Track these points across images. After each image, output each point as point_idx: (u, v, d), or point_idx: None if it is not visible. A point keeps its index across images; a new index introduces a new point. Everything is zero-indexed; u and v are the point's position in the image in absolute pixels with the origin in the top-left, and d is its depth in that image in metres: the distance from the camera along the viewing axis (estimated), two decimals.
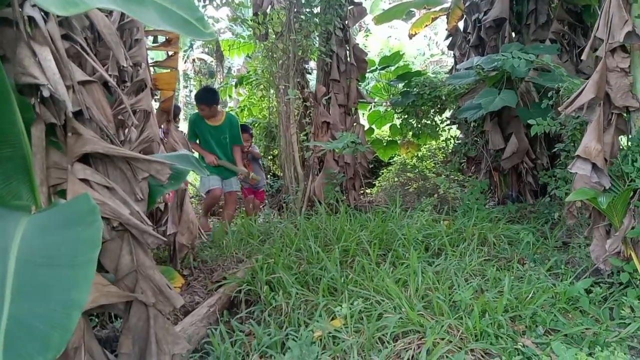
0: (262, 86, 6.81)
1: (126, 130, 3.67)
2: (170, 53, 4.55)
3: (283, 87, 6.26)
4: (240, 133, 5.97)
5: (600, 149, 3.48)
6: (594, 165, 3.46)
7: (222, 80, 13.76)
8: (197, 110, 5.85)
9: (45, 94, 1.99)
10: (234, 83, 8.31)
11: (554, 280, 3.79)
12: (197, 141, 6.02)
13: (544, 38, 6.61)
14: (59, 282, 1.48)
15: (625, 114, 3.68)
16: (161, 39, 4.68)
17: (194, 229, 3.78)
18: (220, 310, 3.73)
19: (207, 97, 5.74)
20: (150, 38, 4.98)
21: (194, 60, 29.06)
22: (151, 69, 5.03)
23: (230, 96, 9.67)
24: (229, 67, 22.92)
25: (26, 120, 2.15)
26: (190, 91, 30.25)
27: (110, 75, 3.36)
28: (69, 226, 1.72)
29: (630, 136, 3.67)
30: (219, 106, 6.04)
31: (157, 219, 4.04)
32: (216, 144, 5.87)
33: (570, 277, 3.76)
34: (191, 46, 28.70)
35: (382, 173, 9.07)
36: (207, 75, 25.23)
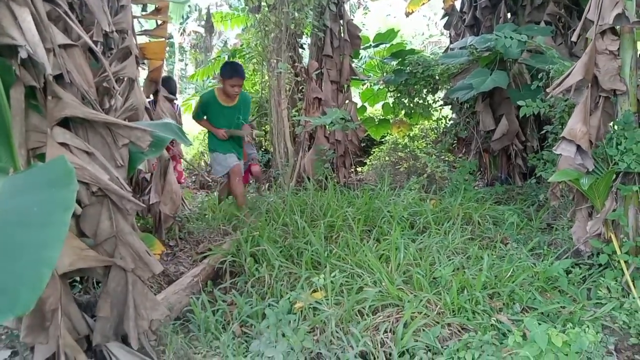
0: (254, 60, 6.74)
1: (112, 100, 3.67)
2: (159, 22, 4.49)
3: (275, 61, 6.20)
4: (249, 113, 5.57)
5: (585, 131, 3.49)
6: (579, 147, 3.47)
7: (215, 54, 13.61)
8: (209, 89, 5.37)
9: (23, 55, 1.97)
10: (226, 57, 8.23)
11: (535, 260, 3.84)
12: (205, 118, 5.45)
13: (539, 20, 6.57)
14: (30, 241, 1.48)
15: (612, 97, 3.68)
16: (151, 7, 4.63)
17: (177, 199, 3.78)
18: (204, 280, 3.76)
19: (242, 70, 5.15)
20: (140, 6, 4.92)
21: (189, 33, 28.72)
22: (140, 37, 4.99)
23: None
24: (225, 41, 22.67)
25: (6, 82, 2.13)
26: (186, 64, 29.95)
27: (95, 42, 3.33)
28: (43, 188, 1.72)
29: (616, 119, 3.67)
30: None
31: (142, 188, 4.04)
32: (228, 126, 5.29)
33: (551, 258, 3.81)
34: (187, 18, 28.35)
35: (374, 152, 9.06)
36: (203, 49, 24.95)
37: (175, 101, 6.39)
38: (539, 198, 5.44)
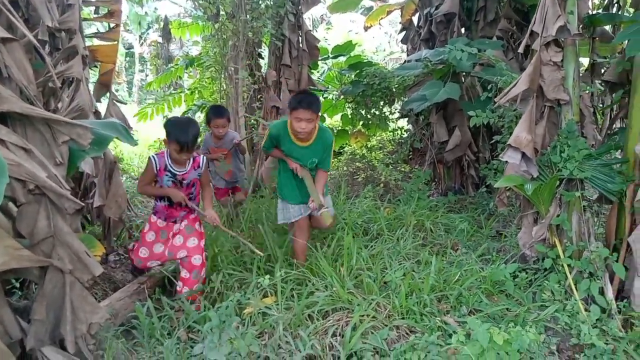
0: (212, 68, 6.70)
1: (58, 101, 3.57)
2: (112, 25, 4.43)
3: (232, 69, 6.18)
4: (331, 157, 4.04)
5: (530, 139, 3.60)
6: (524, 155, 3.58)
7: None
8: (281, 119, 4.09)
9: None
10: (184, 65, 8.16)
11: (483, 266, 3.92)
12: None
13: (492, 35, 6.78)
14: None
15: (557, 107, 3.81)
16: (103, 10, 4.56)
17: (122, 202, 3.69)
18: (152, 287, 3.67)
19: (311, 100, 3.65)
20: (93, 9, 4.84)
21: (150, 43, 28.35)
22: (93, 41, 4.90)
23: (180, 77, 9.49)
24: (187, 52, 22.46)
25: None
26: (146, 75, 29.49)
27: (41, 42, 3.25)
28: None
29: (560, 128, 3.81)
30: None
31: (91, 192, 3.93)
32: (302, 163, 3.89)
33: (499, 263, 3.89)
34: (149, 29, 27.99)
35: (332, 162, 9.11)
36: (164, 58, 24.63)
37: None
38: (489, 207, 5.57)
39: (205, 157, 3.67)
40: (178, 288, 3.53)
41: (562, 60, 3.72)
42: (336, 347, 2.77)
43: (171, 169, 3.46)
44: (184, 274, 3.54)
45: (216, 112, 4.87)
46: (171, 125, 3.36)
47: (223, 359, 2.24)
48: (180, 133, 3.28)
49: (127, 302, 3.33)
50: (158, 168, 3.44)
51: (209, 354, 2.30)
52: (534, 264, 3.82)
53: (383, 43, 25.00)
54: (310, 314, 3.10)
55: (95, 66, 4.54)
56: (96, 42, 4.59)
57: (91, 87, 4.29)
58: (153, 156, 3.48)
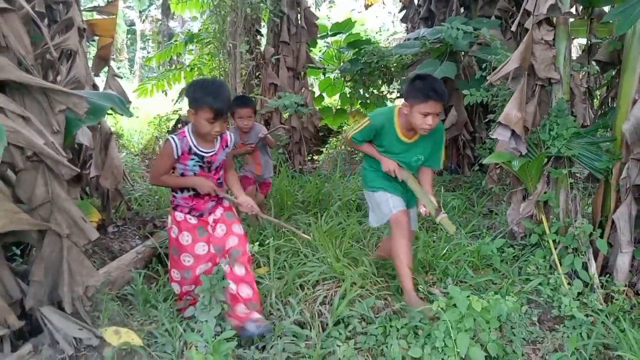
0: (211, 45, 6.73)
1: (56, 74, 3.63)
2: None
3: (231, 45, 6.21)
4: (442, 151, 3.29)
5: (520, 116, 3.65)
6: (513, 132, 3.64)
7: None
8: (386, 108, 3.27)
9: None
10: (184, 41, 8.18)
11: (472, 241, 4.01)
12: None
13: (491, 14, 6.79)
14: None
15: (547, 86, 3.86)
16: None
17: (119, 174, 3.77)
18: (149, 258, 3.77)
19: (443, 90, 2.88)
20: None
21: (152, 20, 28.21)
22: (93, 15, 4.93)
23: (180, 54, 9.51)
24: (188, 29, 22.34)
25: None
26: (148, 52, 29.37)
27: (39, 13, 3.30)
28: None
29: (550, 107, 3.87)
30: None
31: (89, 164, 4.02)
32: (404, 162, 3.13)
33: (488, 239, 3.98)
34: (150, 5, 27.81)
35: (331, 141, 9.19)
36: (165, 34, 24.52)
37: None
38: (482, 185, 5.65)
39: (231, 133, 2.96)
40: (243, 295, 2.67)
41: (553, 39, 3.76)
42: (324, 314, 2.87)
43: (198, 151, 2.75)
44: (239, 270, 2.72)
45: (240, 102, 4.14)
46: (197, 88, 2.65)
47: (213, 320, 2.34)
48: (211, 96, 2.58)
49: (124, 270, 3.43)
50: (180, 152, 2.71)
51: (200, 316, 2.41)
52: (521, 239, 3.91)
53: (387, 23, 24.82)
54: (301, 283, 3.21)
55: (94, 40, 4.59)
56: (95, 16, 4.63)
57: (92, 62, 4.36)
58: (172, 137, 2.71)
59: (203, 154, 2.77)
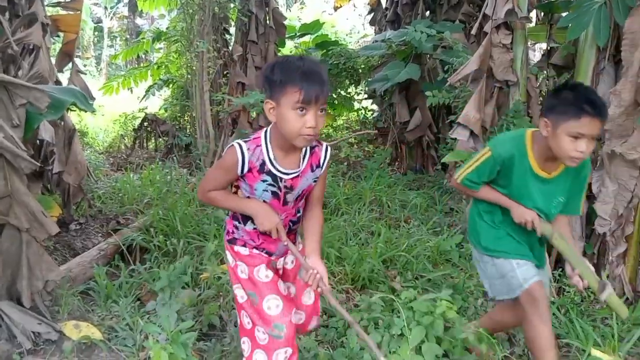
0: (178, 43, 6.71)
1: (19, 69, 3.59)
2: None
3: (198, 43, 6.21)
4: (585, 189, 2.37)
5: (478, 117, 3.79)
6: (472, 132, 3.77)
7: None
8: (514, 132, 2.43)
9: None
10: (151, 39, 8.11)
11: (432, 237, 4.13)
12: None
13: (455, 18, 6.94)
14: None
15: (505, 88, 4.01)
16: None
17: (82, 169, 3.75)
18: (112, 255, 3.75)
19: (603, 103, 2.04)
20: None
21: (120, 17, 27.78)
22: (56, 9, 4.87)
23: (147, 51, 9.43)
24: (157, 27, 22.08)
25: None
26: (116, 50, 28.87)
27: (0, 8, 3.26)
28: None
29: (508, 108, 4.01)
30: None
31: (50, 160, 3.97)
32: (541, 209, 2.24)
33: (448, 235, 4.10)
34: (118, 2, 27.36)
35: None
36: (134, 34, 24.17)
37: None
38: (444, 184, 5.79)
39: (329, 146, 1.97)
40: (309, 327, 2.19)
41: (511, 43, 3.91)
42: None
43: (274, 169, 1.81)
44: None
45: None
46: (278, 68, 1.73)
47: (174, 314, 2.37)
48: (300, 73, 1.68)
49: (86, 267, 3.41)
50: (248, 168, 1.79)
51: (160, 311, 2.43)
52: None
53: (357, 25, 25.02)
54: None
55: (58, 36, 4.54)
56: (60, 12, 4.58)
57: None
58: (239, 143, 1.80)
59: (280, 174, 1.81)
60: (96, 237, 4.25)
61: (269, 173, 1.80)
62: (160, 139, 7.69)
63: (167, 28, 8.25)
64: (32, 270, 2.37)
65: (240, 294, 1.94)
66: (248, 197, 1.87)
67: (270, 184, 1.81)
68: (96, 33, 29.89)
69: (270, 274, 1.92)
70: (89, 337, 2.33)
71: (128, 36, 24.35)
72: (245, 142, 1.80)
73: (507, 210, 2.24)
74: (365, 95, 8.02)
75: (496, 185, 2.26)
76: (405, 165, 7.27)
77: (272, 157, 1.79)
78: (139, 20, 25.00)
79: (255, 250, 1.94)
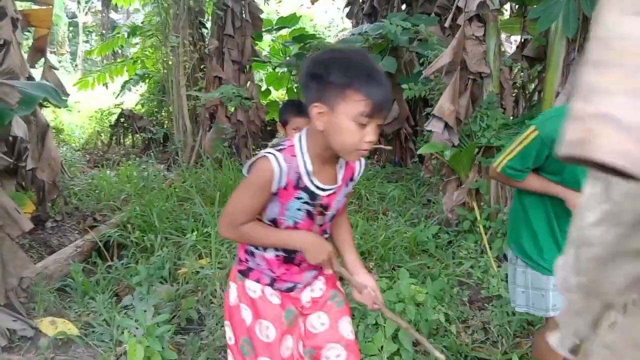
0: (154, 37, 6.65)
1: None
2: None
3: (174, 37, 6.16)
4: None
5: (453, 109, 3.84)
6: (446, 124, 3.83)
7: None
8: (549, 111, 2.30)
9: None
10: (125, 34, 8.02)
11: (410, 228, 4.18)
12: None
13: (431, 11, 6.99)
14: None
15: (479, 80, 4.07)
16: None
17: (56, 166, 3.71)
18: (88, 252, 3.73)
19: None
20: None
21: (95, 12, 27.30)
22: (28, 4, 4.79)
23: (122, 46, 9.32)
24: (133, 22, 21.75)
25: None
26: (91, 46, 28.34)
27: None
28: None
29: (481, 100, 4.08)
30: None
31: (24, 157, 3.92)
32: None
33: (425, 226, 4.16)
34: None
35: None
36: (110, 29, 23.79)
37: None
38: (421, 176, 5.85)
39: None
40: None
41: (484, 35, 3.96)
42: None
43: (311, 185, 1.49)
44: None
45: (298, 109, 2.72)
46: (335, 64, 1.37)
47: (151, 309, 2.37)
48: (366, 76, 1.33)
49: (63, 264, 3.38)
50: (285, 181, 1.45)
51: (138, 305, 2.43)
52: (455, 226, 4.11)
53: (336, 19, 24.98)
54: None
55: (29, 31, 4.47)
56: (32, 7, 4.50)
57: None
58: (273, 153, 1.43)
59: (317, 190, 1.51)
60: (73, 234, 4.22)
61: (305, 189, 1.48)
62: (137, 135, 7.62)
63: (142, 22, 8.15)
64: (6, 267, 2.35)
65: (229, 335, 1.63)
66: (274, 219, 1.51)
67: (305, 202, 1.50)
68: (71, 28, 29.34)
69: (275, 334, 1.57)
70: (65, 333, 2.32)
71: (104, 31, 23.94)
72: (279, 150, 1.43)
73: (558, 203, 1.89)
74: None
75: (544, 173, 1.91)
76: (384, 158, 7.33)
77: (309, 169, 1.46)
78: (114, 15, 24.60)
79: (268, 290, 1.59)
